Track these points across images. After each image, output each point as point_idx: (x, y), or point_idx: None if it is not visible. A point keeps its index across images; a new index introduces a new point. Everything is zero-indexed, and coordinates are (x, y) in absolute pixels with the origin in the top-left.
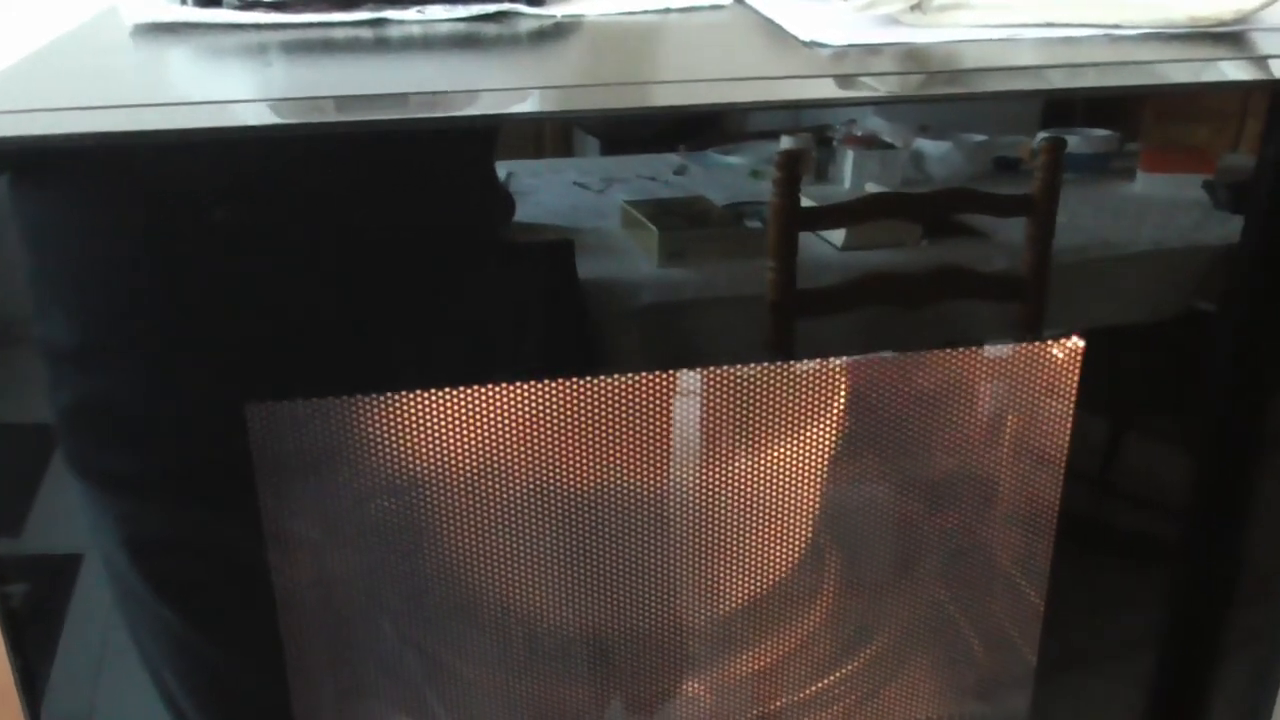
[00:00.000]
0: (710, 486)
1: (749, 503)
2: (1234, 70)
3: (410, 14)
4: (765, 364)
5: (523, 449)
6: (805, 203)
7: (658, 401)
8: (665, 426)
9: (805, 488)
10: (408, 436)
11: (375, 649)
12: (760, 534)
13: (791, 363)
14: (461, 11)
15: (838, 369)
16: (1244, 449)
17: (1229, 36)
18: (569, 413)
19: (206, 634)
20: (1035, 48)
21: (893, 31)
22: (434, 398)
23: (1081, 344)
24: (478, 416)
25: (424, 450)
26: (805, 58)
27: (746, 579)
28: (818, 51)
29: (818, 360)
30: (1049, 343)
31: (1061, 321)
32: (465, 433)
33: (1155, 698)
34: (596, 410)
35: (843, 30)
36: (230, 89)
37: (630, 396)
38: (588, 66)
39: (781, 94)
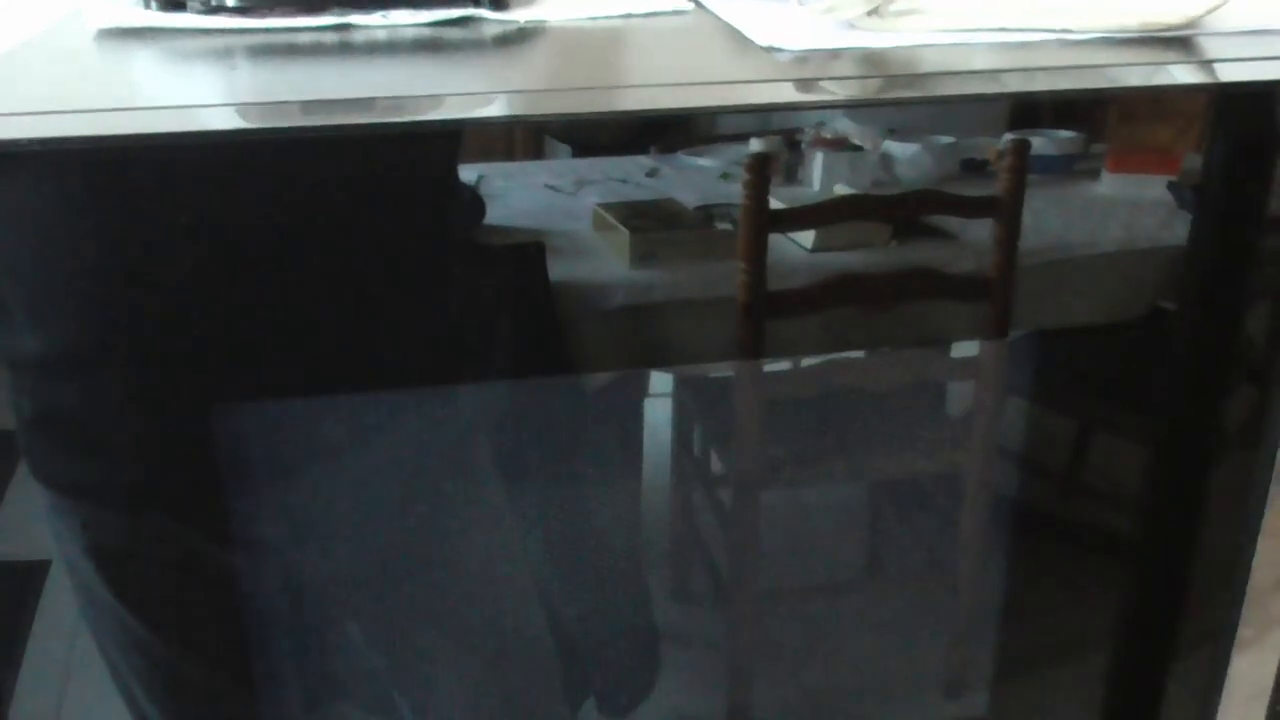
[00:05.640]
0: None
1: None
2: (1182, 73)
3: (375, 19)
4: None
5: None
6: (775, 204)
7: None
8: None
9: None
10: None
11: (342, 652)
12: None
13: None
14: (425, 17)
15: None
16: (1199, 447)
17: (1177, 41)
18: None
19: (171, 640)
20: (990, 52)
21: (850, 36)
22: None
23: (1041, 342)
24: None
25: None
26: (766, 63)
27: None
28: (777, 56)
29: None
30: (1011, 341)
31: (1027, 321)
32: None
33: (1112, 693)
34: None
35: (800, 35)
36: (196, 94)
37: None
38: (551, 71)
39: (743, 98)
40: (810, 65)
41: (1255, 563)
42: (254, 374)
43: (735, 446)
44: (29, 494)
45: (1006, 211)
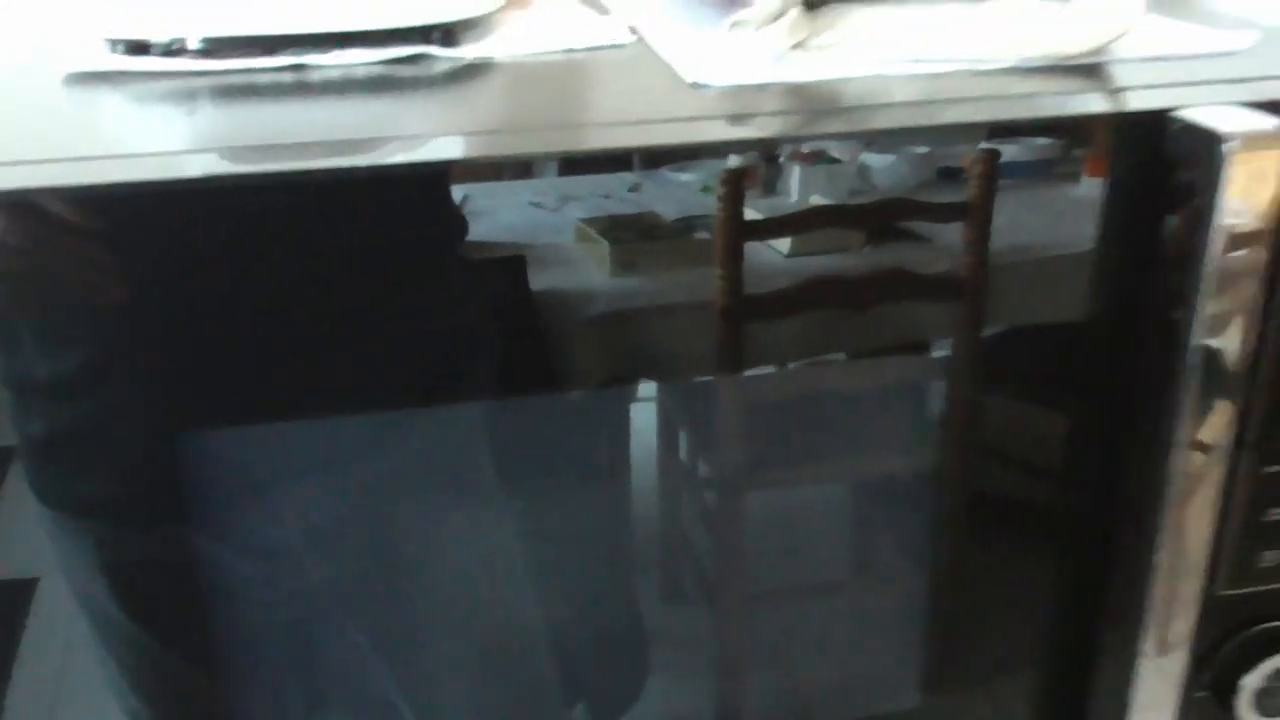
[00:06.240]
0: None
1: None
2: (1087, 102)
3: (329, 58)
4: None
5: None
6: (753, 215)
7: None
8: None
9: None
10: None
11: (341, 659)
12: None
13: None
14: (378, 55)
15: None
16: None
17: (1084, 68)
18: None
19: (186, 656)
20: (908, 82)
21: (775, 69)
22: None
23: (1014, 340)
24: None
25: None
26: (693, 99)
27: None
28: (703, 92)
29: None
30: (985, 339)
31: (1000, 320)
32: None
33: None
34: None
35: (726, 70)
36: (165, 138)
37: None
38: (492, 109)
39: (667, 137)
40: (736, 100)
41: (1160, 557)
42: (259, 392)
43: (717, 449)
44: (14, 513)
45: (976, 217)
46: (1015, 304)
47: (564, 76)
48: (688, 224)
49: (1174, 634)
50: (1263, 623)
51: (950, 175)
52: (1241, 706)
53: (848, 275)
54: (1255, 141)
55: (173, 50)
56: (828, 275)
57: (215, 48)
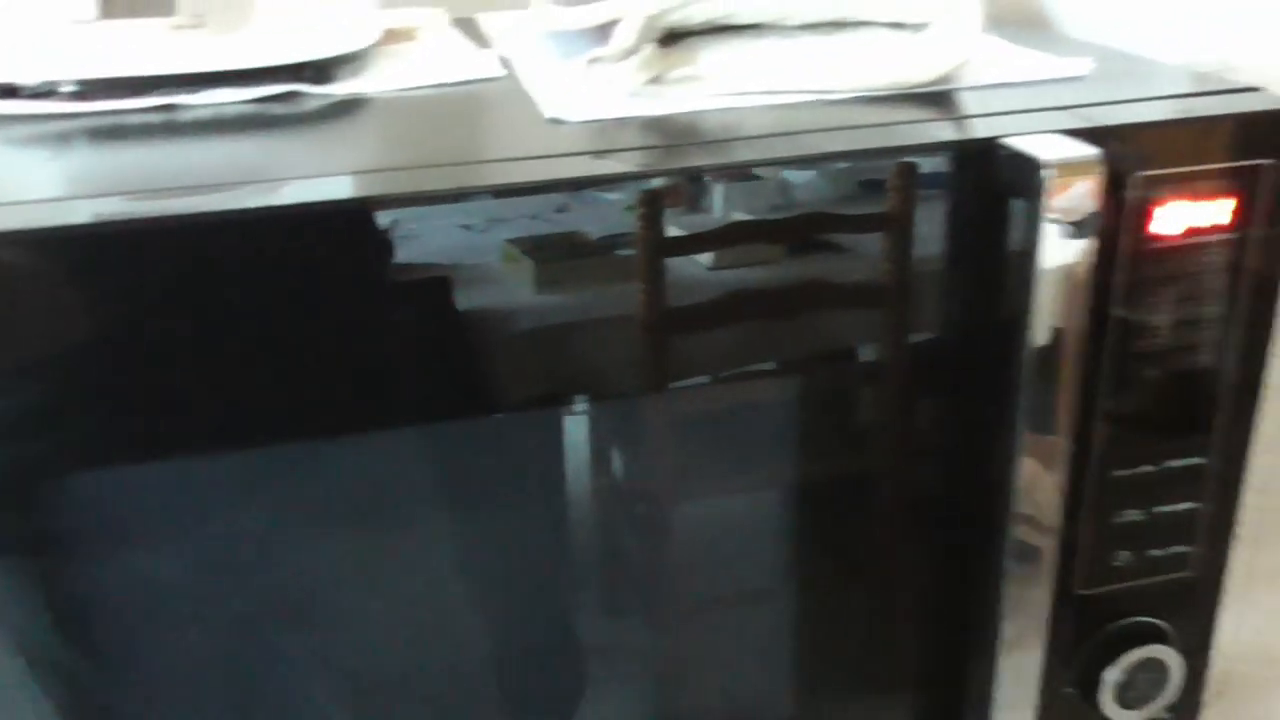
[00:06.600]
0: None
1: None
2: (934, 129)
3: (198, 98)
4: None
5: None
6: (676, 232)
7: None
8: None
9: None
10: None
11: (286, 682)
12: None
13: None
14: (249, 94)
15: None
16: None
17: (929, 97)
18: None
19: (129, 684)
20: (761, 114)
21: (632, 104)
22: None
23: (936, 345)
24: None
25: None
26: (552, 134)
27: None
28: (561, 128)
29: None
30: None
31: (924, 326)
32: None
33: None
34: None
35: (584, 105)
36: (36, 183)
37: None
38: (360, 146)
39: (521, 174)
40: (590, 136)
41: (1010, 559)
42: (199, 422)
43: (646, 461)
44: None
45: (895, 228)
46: (935, 310)
47: (430, 112)
48: (611, 241)
49: (1029, 633)
50: (1121, 618)
51: (873, 187)
52: (1104, 699)
53: (770, 287)
54: (1071, 168)
55: (43, 93)
56: (750, 288)
57: (86, 89)
